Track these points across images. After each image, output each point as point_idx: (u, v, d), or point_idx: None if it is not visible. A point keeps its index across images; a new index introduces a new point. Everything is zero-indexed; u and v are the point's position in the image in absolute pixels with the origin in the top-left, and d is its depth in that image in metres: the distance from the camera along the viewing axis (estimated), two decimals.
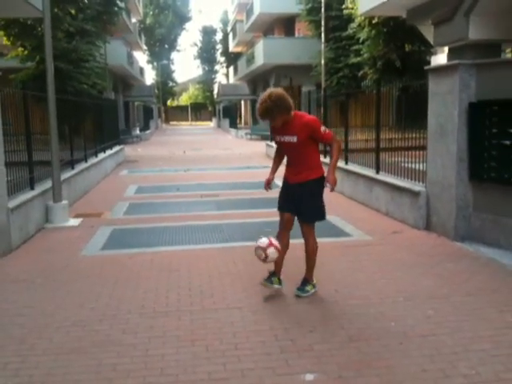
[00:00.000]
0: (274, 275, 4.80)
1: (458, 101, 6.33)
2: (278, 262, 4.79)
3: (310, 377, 3.35)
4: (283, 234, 4.79)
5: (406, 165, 7.94)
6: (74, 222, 8.21)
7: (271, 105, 4.42)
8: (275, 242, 4.57)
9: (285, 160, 4.88)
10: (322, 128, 4.59)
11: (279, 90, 4.55)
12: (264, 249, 4.52)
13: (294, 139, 4.54)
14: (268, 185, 4.85)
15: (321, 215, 4.76)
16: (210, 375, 3.40)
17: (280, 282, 4.81)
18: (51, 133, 8.22)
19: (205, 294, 4.88)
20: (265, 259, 4.55)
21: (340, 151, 4.79)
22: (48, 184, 8.32)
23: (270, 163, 5.10)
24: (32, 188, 7.82)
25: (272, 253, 4.53)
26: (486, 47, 6.62)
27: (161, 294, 4.92)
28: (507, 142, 5.88)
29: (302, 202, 4.66)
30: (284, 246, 4.74)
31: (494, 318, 4.23)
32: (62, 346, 3.87)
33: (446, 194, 6.65)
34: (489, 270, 5.44)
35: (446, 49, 7.35)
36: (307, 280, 4.84)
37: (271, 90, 4.58)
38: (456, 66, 6.35)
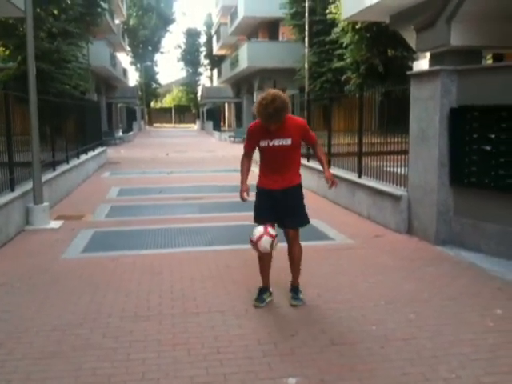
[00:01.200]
0: (265, 291, 4.71)
1: (439, 106, 6.40)
2: (265, 275, 4.71)
3: (292, 381, 3.34)
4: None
5: (388, 169, 8.00)
6: (54, 224, 8.11)
7: (281, 105, 4.24)
8: (271, 230, 4.39)
9: (254, 168, 4.70)
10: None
11: (279, 91, 4.39)
12: (255, 242, 4.36)
13: (288, 142, 4.41)
14: (246, 194, 4.65)
15: (307, 219, 4.72)
16: (192, 379, 3.38)
17: (271, 294, 4.76)
18: (32, 134, 8.12)
19: (187, 298, 4.85)
20: (256, 243, 4.37)
21: None
22: (29, 185, 8.21)
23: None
24: (12, 189, 7.71)
25: (265, 241, 4.34)
26: (468, 53, 6.72)
27: (142, 297, 4.88)
28: (487, 148, 5.96)
29: (288, 208, 4.55)
30: (269, 258, 4.64)
31: (474, 321, 4.27)
32: (41, 350, 3.81)
33: (427, 198, 6.72)
34: (469, 274, 5.50)
35: (428, 54, 7.45)
36: (297, 287, 4.77)
37: (273, 90, 4.37)
38: (438, 71, 6.42)
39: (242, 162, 4.83)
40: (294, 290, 4.75)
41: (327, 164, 4.83)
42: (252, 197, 4.69)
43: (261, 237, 4.34)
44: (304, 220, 4.69)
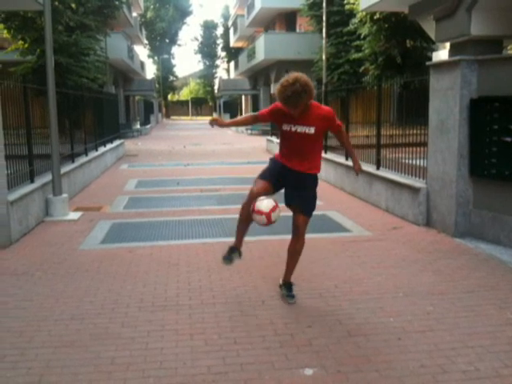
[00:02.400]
0: (235, 251, 4.71)
1: (459, 97, 6.32)
2: (241, 236, 4.66)
3: (309, 371, 3.35)
4: (248, 202, 4.40)
5: (407, 161, 7.93)
6: (73, 215, 8.20)
7: (300, 89, 4.05)
8: (273, 217, 4.28)
9: (273, 147, 4.63)
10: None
11: (305, 75, 4.20)
12: (268, 214, 4.24)
13: (311, 130, 4.26)
14: (214, 122, 4.58)
15: (314, 210, 4.56)
16: (209, 369, 3.40)
17: (240, 255, 4.76)
18: (51, 126, 8.20)
19: (204, 289, 4.88)
20: (266, 224, 4.30)
21: None
22: (48, 177, 8.31)
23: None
24: (32, 181, 7.81)
25: (275, 215, 4.26)
26: (488, 43, 6.61)
27: (160, 288, 4.91)
28: (508, 139, 5.87)
29: (300, 191, 4.40)
30: (250, 220, 4.47)
31: (492, 314, 4.23)
32: (60, 338, 3.87)
33: (446, 190, 6.65)
34: (488, 267, 5.44)
35: (448, 45, 7.34)
36: (291, 282, 4.65)
37: (296, 74, 4.16)
38: (457, 61, 6.33)
39: (246, 116, 4.86)
40: (288, 286, 4.63)
41: (356, 155, 4.88)
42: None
43: (274, 208, 4.24)
44: (313, 209, 4.51)
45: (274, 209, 4.27)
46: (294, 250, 4.53)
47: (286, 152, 4.46)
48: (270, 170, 4.50)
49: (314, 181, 4.51)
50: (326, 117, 4.34)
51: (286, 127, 4.34)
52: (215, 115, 55.65)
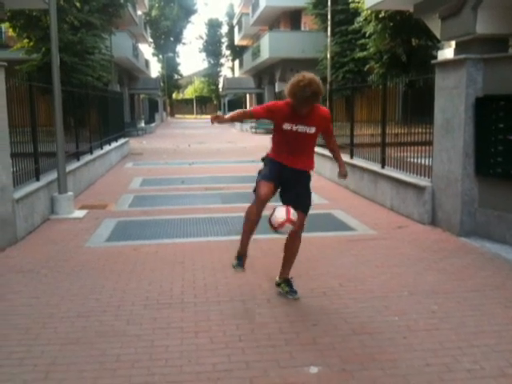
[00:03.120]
0: (241, 258, 4.56)
1: (464, 95, 6.30)
2: (248, 241, 4.52)
3: (314, 369, 3.35)
4: (259, 207, 4.34)
5: (412, 160, 7.91)
6: (79, 213, 8.22)
7: (318, 90, 4.10)
8: (293, 216, 4.23)
9: (266, 144, 4.51)
10: None
11: (315, 76, 4.21)
12: (276, 227, 4.24)
13: (312, 130, 4.32)
14: (216, 119, 4.41)
15: (310, 206, 4.60)
16: (214, 366, 3.41)
17: (243, 265, 4.61)
18: (56, 124, 8.23)
19: (209, 287, 4.89)
20: (276, 229, 4.26)
21: None
22: (53, 175, 8.33)
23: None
24: (37, 179, 7.84)
25: (287, 228, 4.25)
26: (494, 42, 6.59)
27: (165, 286, 4.93)
28: None
29: (297, 189, 4.42)
30: (256, 222, 4.42)
31: (498, 313, 4.22)
32: (66, 336, 3.88)
33: (451, 189, 6.63)
34: (494, 266, 5.43)
35: (453, 43, 7.32)
36: (289, 279, 4.65)
37: (309, 74, 4.17)
38: (463, 60, 6.31)
39: (235, 112, 4.61)
40: (288, 282, 4.62)
41: (342, 159, 4.80)
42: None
43: (283, 224, 4.22)
44: (310, 207, 4.55)
45: (283, 224, 4.25)
46: (294, 247, 4.56)
47: (285, 150, 4.41)
48: (271, 170, 4.43)
49: (309, 177, 4.58)
50: (325, 117, 4.44)
51: (287, 126, 4.31)
52: (219, 113, 55.67)
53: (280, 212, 4.25)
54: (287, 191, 4.47)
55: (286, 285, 4.62)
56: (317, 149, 13.05)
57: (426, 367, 3.37)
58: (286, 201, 4.45)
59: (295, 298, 4.53)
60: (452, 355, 3.52)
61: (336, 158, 4.81)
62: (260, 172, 4.52)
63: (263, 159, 4.62)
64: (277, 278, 4.74)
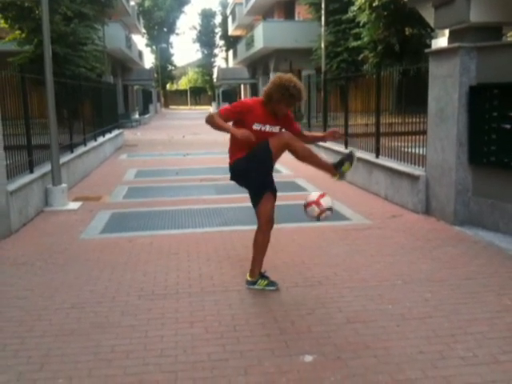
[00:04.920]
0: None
1: (458, 84, 6.30)
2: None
3: (308, 358, 3.37)
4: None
5: (406, 149, 7.93)
6: (73, 205, 8.20)
7: (304, 94, 4.21)
8: (323, 201, 4.23)
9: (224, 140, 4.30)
10: None
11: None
12: (317, 203, 4.22)
13: (277, 129, 4.27)
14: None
15: None
16: (209, 356, 3.42)
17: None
18: (50, 116, 8.18)
19: (204, 277, 4.89)
20: (319, 214, 4.25)
21: None
22: (47, 167, 8.30)
23: None
24: (31, 171, 7.81)
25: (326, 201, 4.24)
26: (487, 30, 6.57)
27: (160, 276, 4.93)
28: (507, 126, 5.86)
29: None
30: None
31: (491, 301, 4.25)
32: (61, 327, 3.88)
33: (445, 178, 6.65)
34: (487, 254, 5.46)
35: (447, 32, 7.30)
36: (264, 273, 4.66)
37: (288, 75, 4.19)
38: (456, 49, 6.31)
39: (217, 119, 4.14)
40: (266, 276, 4.61)
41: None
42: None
43: (321, 196, 4.26)
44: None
45: (322, 195, 4.28)
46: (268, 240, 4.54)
47: (244, 148, 4.26)
48: (264, 178, 4.39)
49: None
50: (290, 118, 4.40)
51: (256, 127, 4.16)
52: (213, 105, 55.54)
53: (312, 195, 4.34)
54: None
55: (264, 278, 4.58)
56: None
57: (419, 355, 3.40)
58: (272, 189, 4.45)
59: (277, 287, 4.52)
60: (445, 343, 3.54)
61: (317, 138, 4.80)
62: (255, 177, 4.36)
63: (233, 166, 4.50)
64: (248, 277, 4.60)
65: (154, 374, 3.23)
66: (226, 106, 4.22)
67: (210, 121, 4.18)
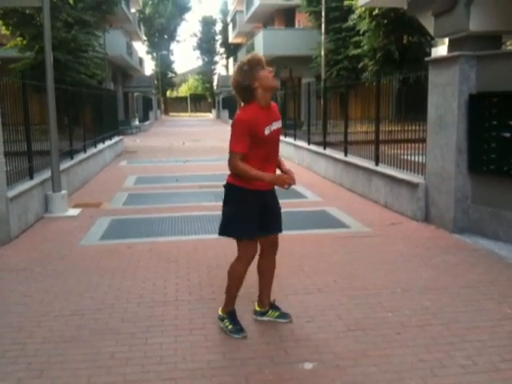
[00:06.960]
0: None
1: (457, 92, 6.32)
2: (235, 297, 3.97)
3: (308, 366, 3.36)
4: (249, 265, 3.85)
5: (406, 157, 7.94)
6: (73, 211, 8.21)
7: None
8: None
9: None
10: None
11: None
12: None
13: (279, 123, 3.70)
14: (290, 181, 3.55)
15: None
16: (208, 363, 3.41)
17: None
18: (50, 122, 8.20)
19: (203, 285, 4.89)
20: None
21: None
22: (47, 174, 8.31)
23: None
24: (31, 178, 7.81)
25: None
26: (487, 39, 6.60)
27: (159, 283, 4.93)
28: (507, 135, 5.88)
29: (275, 210, 3.86)
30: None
31: (491, 309, 4.24)
32: (60, 334, 3.88)
33: (444, 185, 6.66)
34: (487, 262, 5.46)
35: (447, 40, 7.33)
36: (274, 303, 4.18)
37: (251, 55, 3.83)
38: (456, 57, 6.33)
39: (242, 165, 3.55)
40: (276, 307, 4.13)
41: None
42: None
43: None
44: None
45: None
46: (271, 268, 4.03)
47: (261, 165, 3.60)
48: (252, 217, 3.66)
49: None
50: (276, 106, 3.83)
51: (267, 131, 3.55)
52: (213, 112, 55.59)
53: None
54: (269, 219, 3.79)
55: (277, 310, 4.12)
56: (311, 146, 13.14)
57: (419, 363, 3.39)
58: (267, 233, 3.83)
59: (291, 320, 4.06)
60: (445, 351, 3.54)
61: (281, 165, 3.91)
62: (227, 212, 3.73)
63: (228, 188, 3.77)
64: (257, 307, 4.14)
65: (153, 381, 3.22)
66: (231, 139, 3.62)
67: (238, 172, 3.60)
